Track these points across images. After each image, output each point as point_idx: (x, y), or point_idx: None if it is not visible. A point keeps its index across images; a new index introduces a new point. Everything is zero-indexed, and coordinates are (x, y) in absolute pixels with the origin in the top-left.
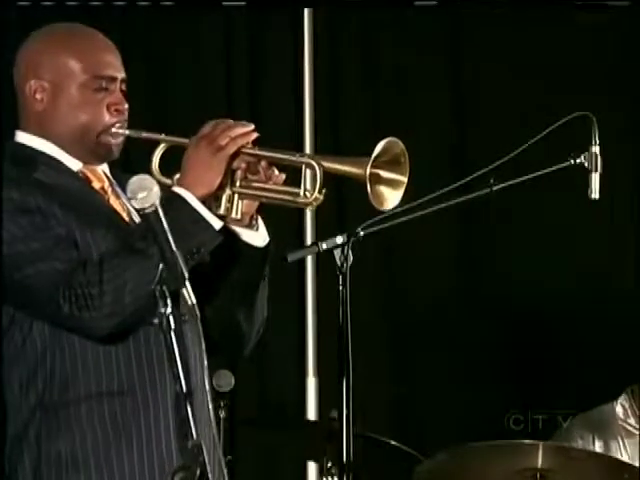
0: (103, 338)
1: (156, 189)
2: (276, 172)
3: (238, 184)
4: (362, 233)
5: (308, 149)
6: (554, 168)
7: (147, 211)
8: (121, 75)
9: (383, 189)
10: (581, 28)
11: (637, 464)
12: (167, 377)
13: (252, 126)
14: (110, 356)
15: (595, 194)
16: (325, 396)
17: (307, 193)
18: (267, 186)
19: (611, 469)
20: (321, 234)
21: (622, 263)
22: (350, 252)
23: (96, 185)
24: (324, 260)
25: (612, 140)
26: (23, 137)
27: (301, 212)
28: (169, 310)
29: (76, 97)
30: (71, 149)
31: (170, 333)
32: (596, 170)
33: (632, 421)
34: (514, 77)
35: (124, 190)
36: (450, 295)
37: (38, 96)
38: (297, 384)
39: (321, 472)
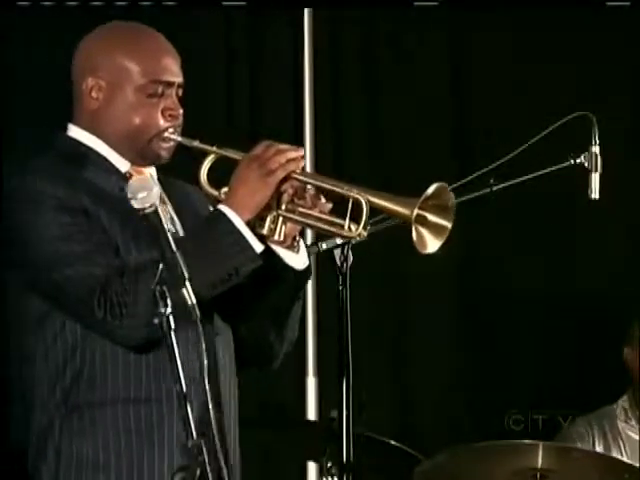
0: (134, 347)
1: (156, 189)
2: (323, 200)
3: (284, 207)
4: None
5: (308, 149)
6: (554, 168)
7: (147, 211)
8: (178, 80)
9: (426, 232)
10: (581, 28)
11: (637, 464)
12: (194, 388)
13: (302, 152)
14: (140, 363)
15: (595, 194)
16: (325, 396)
17: (352, 227)
18: (312, 213)
19: (611, 469)
20: (321, 234)
21: (623, 264)
22: (350, 252)
23: None
24: (324, 260)
25: (613, 140)
26: (75, 132)
27: None
28: (169, 310)
29: (132, 99)
30: (121, 150)
31: (170, 333)
32: (596, 170)
33: (633, 422)
34: (514, 77)
35: (169, 195)
36: (450, 295)
37: (94, 94)
38: (297, 384)
39: (321, 472)
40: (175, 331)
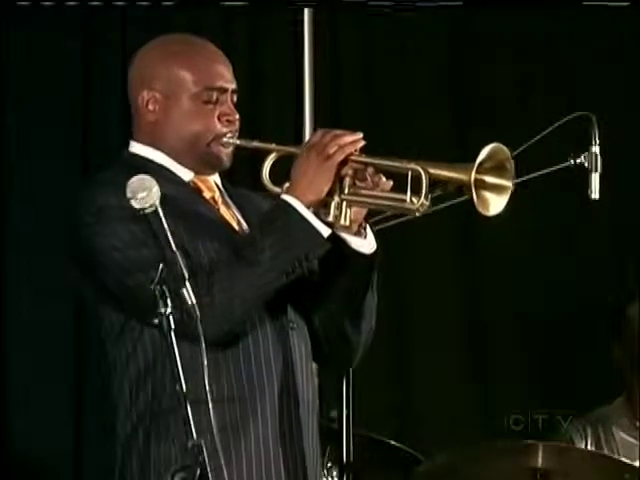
0: (212, 346)
1: (156, 189)
2: (383, 179)
3: (346, 191)
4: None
5: None
6: (554, 168)
7: (147, 211)
8: (232, 86)
9: (488, 195)
10: (581, 28)
11: (633, 465)
12: (275, 385)
13: (360, 135)
14: (219, 364)
15: (595, 194)
16: (325, 396)
17: (414, 199)
18: (375, 193)
19: (611, 469)
20: None
21: (623, 264)
22: None
23: (207, 195)
24: None
25: (613, 140)
26: (136, 147)
27: None
28: (169, 310)
29: (188, 108)
30: (182, 159)
31: (170, 333)
32: (596, 170)
33: (627, 424)
34: (515, 77)
35: (235, 202)
36: (450, 295)
37: (150, 107)
38: None
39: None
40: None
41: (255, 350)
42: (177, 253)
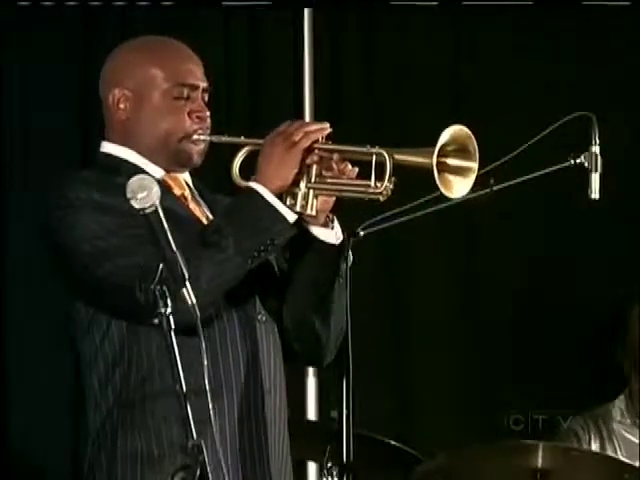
0: (179, 331)
1: (156, 189)
2: (349, 166)
3: (313, 180)
4: (362, 233)
5: None
6: (554, 168)
7: (147, 211)
8: (203, 84)
9: (452, 177)
10: (581, 28)
11: (636, 464)
12: (240, 377)
13: (326, 124)
14: (186, 354)
15: (595, 194)
16: (325, 396)
17: (378, 184)
18: (340, 180)
19: (611, 469)
20: None
21: (623, 264)
22: (350, 252)
23: (177, 192)
24: None
25: (613, 140)
26: (107, 147)
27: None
28: (169, 310)
29: (158, 105)
30: (154, 157)
31: (170, 333)
32: (596, 170)
33: (628, 422)
34: (514, 77)
35: (205, 200)
36: (450, 295)
37: (121, 105)
38: (297, 384)
39: (321, 472)
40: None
41: (221, 342)
42: (177, 253)
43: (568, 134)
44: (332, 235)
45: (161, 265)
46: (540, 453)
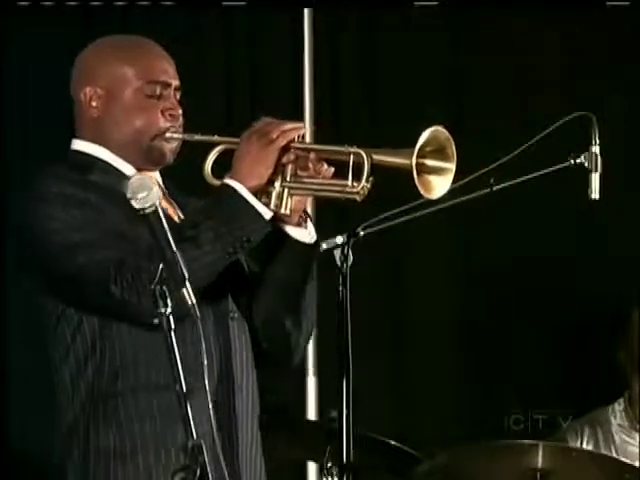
0: (155, 326)
1: (156, 189)
2: (325, 166)
3: (288, 179)
4: (362, 233)
5: None
6: (554, 168)
7: (147, 211)
8: (175, 82)
9: (431, 178)
10: (581, 28)
11: (633, 465)
12: (213, 373)
13: (302, 124)
14: (159, 350)
15: (595, 194)
16: (325, 396)
17: (354, 183)
18: (316, 180)
19: (611, 469)
20: (321, 234)
21: (623, 264)
22: (350, 252)
23: None
24: (324, 260)
25: (613, 140)
26: (79, 144)
27: None
28: (169, 310)
29: (130, 102)
30: (126, 154)
31: (170, 333)
32: (596, 170)
33: (626, 424)
34: (514, 77)
35: (176, 200)
36: (450, 295)
37: (94, 103)
38: (297, 384)
39: (321, 472)
40: (175, 331)
41: (193, 338)
42: (177, 253)
43: (568, 134)
44: (306, 234)
45: (161, 265)
46: (540, 453)
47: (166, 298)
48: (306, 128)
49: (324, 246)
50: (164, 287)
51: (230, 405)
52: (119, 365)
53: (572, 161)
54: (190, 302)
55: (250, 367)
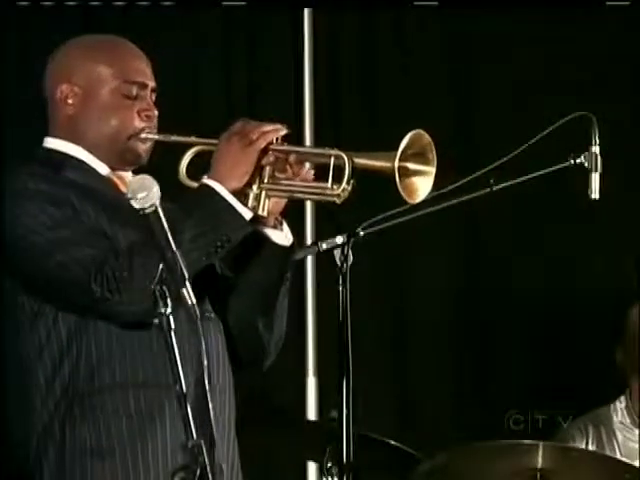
0: (131, 324)
1: (156, 189)
2: (305, 169)
3: (265, 181)
4: (362, 233)
5: None
6: (554, 168)
7: (147, 211)
8: (152, 84)
9: (412, 181)
10: (581, 28)
11: (633, 465)
12: (188, 372)
13: (281, 125)
14: (135, 348)
15: (595, 194)
16: (325, 396)
17: (335, 186)
18: (294, 182)
19: (612, 469)
20: (321, 234)
21: (623, 263)
22: (350, 252)
23: (123, 190)
24: (324, 260)
25: (613, 140)
26: (52, 142)
27: (301, 212)
28: (169, 310)
29: (107, 102)
30: (100, 154)
31: (170, 333)
32: (596, 170)
33: (628, 422)
34: (515, 77)
35: None
36: (450, 295)
37: (69, 101)
38: (297, 384)
39: (321, 472)
40: (175, 331)
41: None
42: (177, 253)
43: (568, 134)
44: (283, 236)
45: (161, 265)
46: (540, 453)
47: (166, 298)
48: (306, 128)
49: (324, 246)
50: (164, 287)
51: (204, 403)
52: (95, 363)
53: (572, 161)
54: (190, 302)
55: (226, 367)
